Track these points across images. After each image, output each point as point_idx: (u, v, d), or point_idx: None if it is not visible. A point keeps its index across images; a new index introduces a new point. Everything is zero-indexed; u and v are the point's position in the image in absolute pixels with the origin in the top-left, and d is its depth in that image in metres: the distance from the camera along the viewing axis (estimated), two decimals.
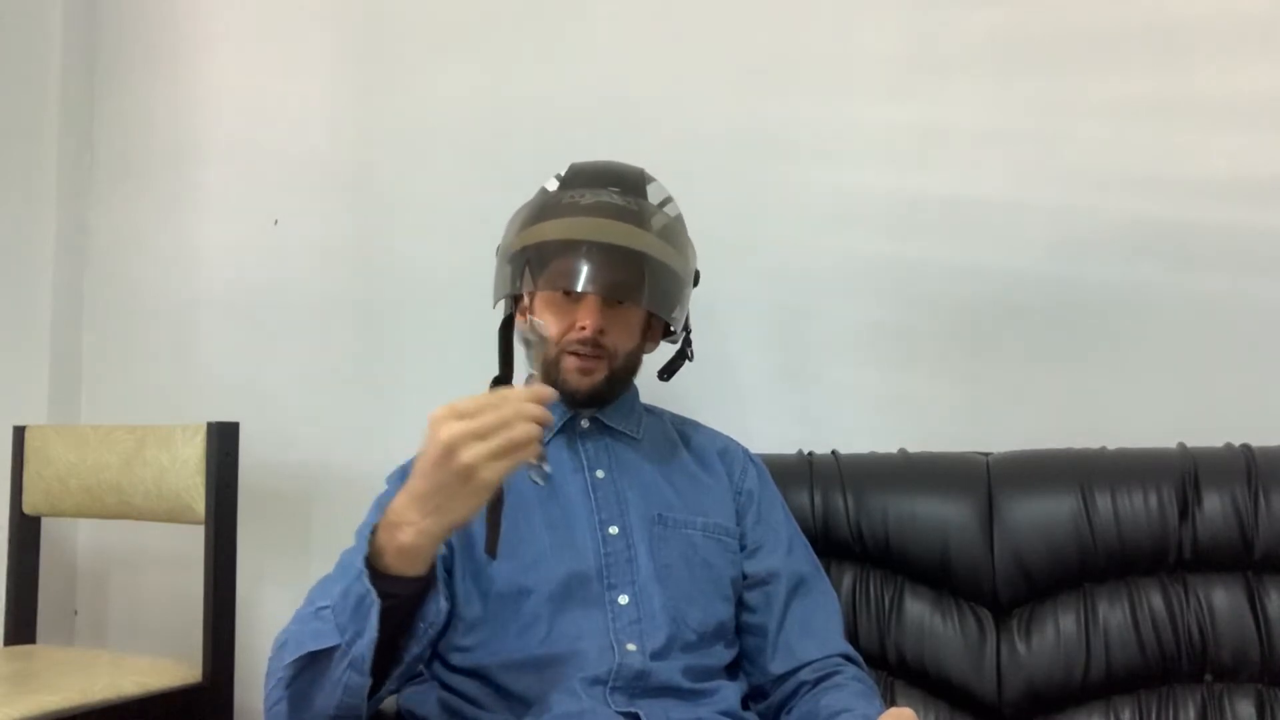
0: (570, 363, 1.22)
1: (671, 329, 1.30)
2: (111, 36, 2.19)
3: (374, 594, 0.94)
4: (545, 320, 1.21)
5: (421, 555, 0.96)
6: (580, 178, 1.26)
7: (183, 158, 2.10)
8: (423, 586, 0.99)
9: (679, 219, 1.28)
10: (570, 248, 1.19)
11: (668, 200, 1.29)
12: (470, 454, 0.90)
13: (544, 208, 1.24)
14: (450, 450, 0.90)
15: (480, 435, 0.90)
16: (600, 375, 1.23)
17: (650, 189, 1.28)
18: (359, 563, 0.95)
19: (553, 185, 1.27)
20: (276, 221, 2.02)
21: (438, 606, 1.01)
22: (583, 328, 1.20)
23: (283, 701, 0.99)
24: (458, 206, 1.88)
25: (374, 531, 0.96)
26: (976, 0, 1.66)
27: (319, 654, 0.96)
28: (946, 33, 1.67)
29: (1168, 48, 1.58)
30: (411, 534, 0.94)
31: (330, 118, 2.00)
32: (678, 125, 1.77)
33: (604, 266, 1.19)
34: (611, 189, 1.23)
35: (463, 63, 1.91)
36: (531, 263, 1.20)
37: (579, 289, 1.18)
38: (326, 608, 0.97)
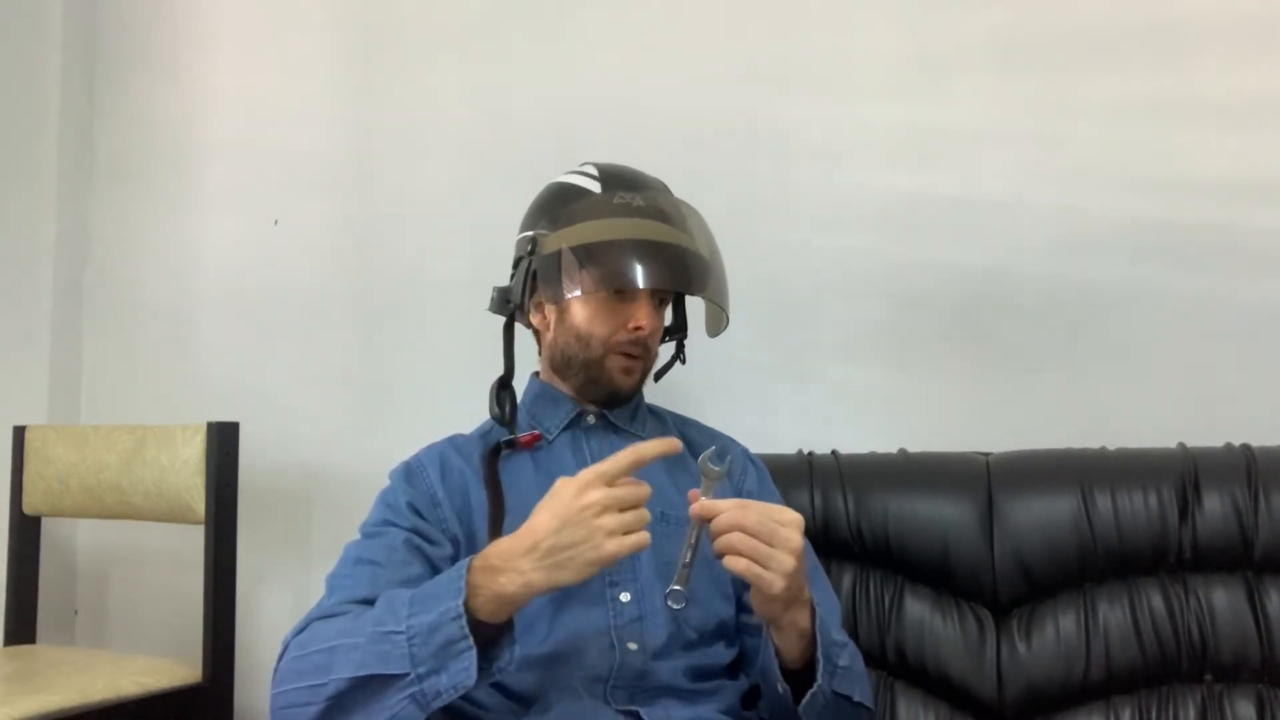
0: (616, 362, 1.23)
1: (686, 332, 1.35)
2: (111, 36, 2.19)
3: (470, 640, 0.94)
4: (589, 318, 1.22)
5: (516, 607, 0.97)
6: (618, 180, 1.26)
7: (183, 158, 2.11)
8: (496, 633, 0.98)
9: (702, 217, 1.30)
10: (645, 249, 1.20)
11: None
12: (611, 521, 0.93)
13: (597, 207, 1.22)
14: (594, 512, 0.93)
15: (621, 505, 0.94)
16: (639, 375, 1.26)
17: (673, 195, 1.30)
18: (455, 603, 0.94)
19: (588, 184, 1.25)
20: (276, 221, 2.02)
21: (511, 654, 0.99)
22: (638, 328, 1.21)
23: (314, 707, 0.98)
24: (457, 206, 1.89)
25: (468, 569, 0.96)
26: (976, 0, 1.66)
27: (380, 677, 0.96)
28: (946, 33, 1.67)
29: (1167, 48, 1.58)
30: (517, 584, 0.94)
31: (330, 118, 2.00)
32: (677, 125, 1.77)
33: (675, 269, 1.22)
34: (650, 192, 1.25)
35: (463, 62, 1.91)
36: (591, 264, 1.20)
37: (675, 289, 1.25)
38: (400, 634, 0.96)
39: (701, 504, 1.00)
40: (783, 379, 1.71)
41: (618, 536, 0.93)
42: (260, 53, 2.07)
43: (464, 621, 0.94)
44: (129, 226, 2.14)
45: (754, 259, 1.71)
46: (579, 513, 0.93)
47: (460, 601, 0.94)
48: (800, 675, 1.06)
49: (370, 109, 1.98)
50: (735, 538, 0.97)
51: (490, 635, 0.97)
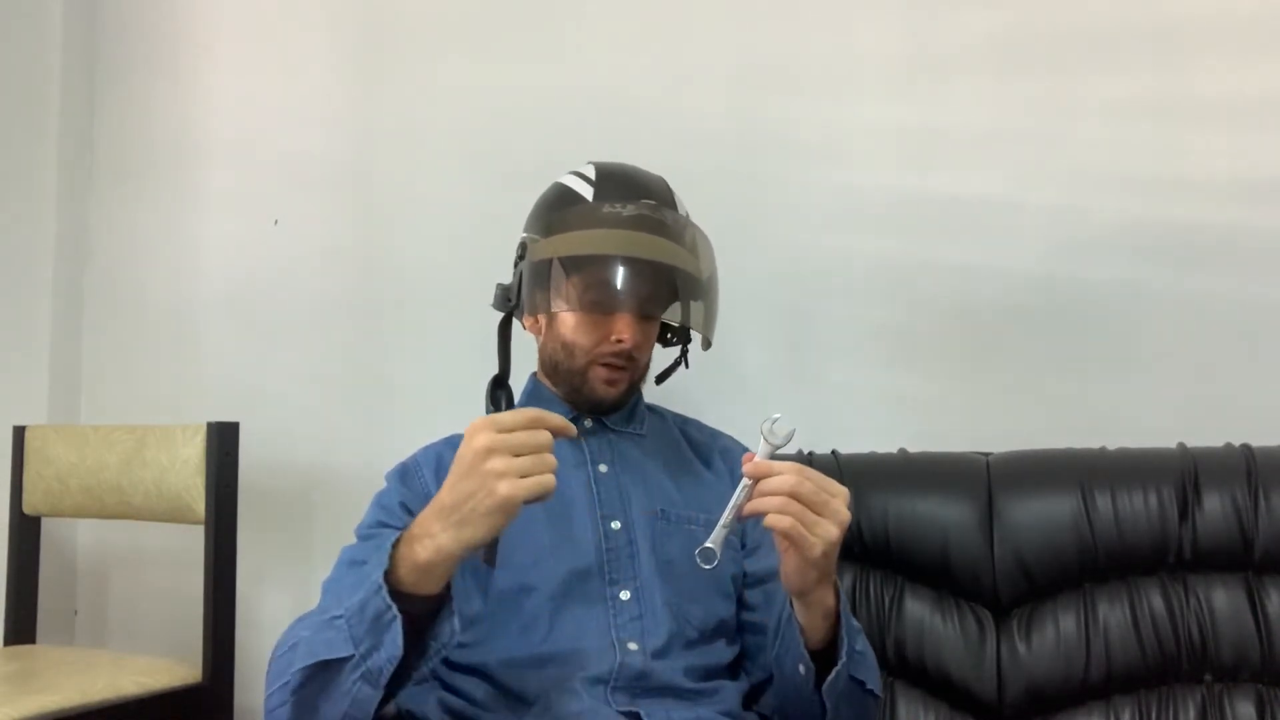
0: (599, 373, 1.22)
1: (684, 340, 1.34)
2: (111, 36, 2.19)
3: (395, 610, 0.92)
4: (574, 328, 1.21)
5: (435, 574, 0.94)
6: (613, 185, 1.24)
7: (183, 158, 2.11)
8: (435, 605, 0.96)
9: (700, 230, 1.28)
10: (622, 264, 1.19)
11: (687, 212, 1.29)
12: (500, 464, 0.89)
13: (583, 216, 1.21)
14: (481, 456, 0.90)
15: (513, 450, 0.90)
16: (624, 385, 1.25)
17: (675, 199, 1.28)
18: (377, 575, 0.93)
19: (582, 188, 1.24)
20: (276, 221, 2.02)
21: (451, 627, 0.98)
22: (620, 341, 1.20)
23: (286, 706, 0.98)
24: (458, 206, 1.88)
25: (396, 543, 0.95)
26: (977, 0, 1.66)
27: (330, 663, 0.95)
28: (946, 33, 1.67)
29: (1168, 48, 1.58)
30: (430, 550, 0.92)
31: (330, 118, 2.00)
32: (678, 125, 1.76)
33: (654, 285, 1.21)
34: (645, 200, 1.22)
35: (463, 61, 1.91)
36: (574, 275, 1.19)
37: (641, 313, 1.20)
38: (340, 617, 0.95)
39: (756, 463, 1.00)
40: (784, 379, 1.71)
41: (510, 478, 0.89)
42: (260, 53, 2.06)
43: (385, 593, 0.92)
44: (129, 226, 2.14)
45: (754, 259, 1.71)
46: (470, 461, 0.90)
47: (381, 574, 0.93)
48: (817, 658, 1.06)
49: (370, 109, 1.98)
50: (785, 500, 0.97)
51: (427, 609, 0.96)
